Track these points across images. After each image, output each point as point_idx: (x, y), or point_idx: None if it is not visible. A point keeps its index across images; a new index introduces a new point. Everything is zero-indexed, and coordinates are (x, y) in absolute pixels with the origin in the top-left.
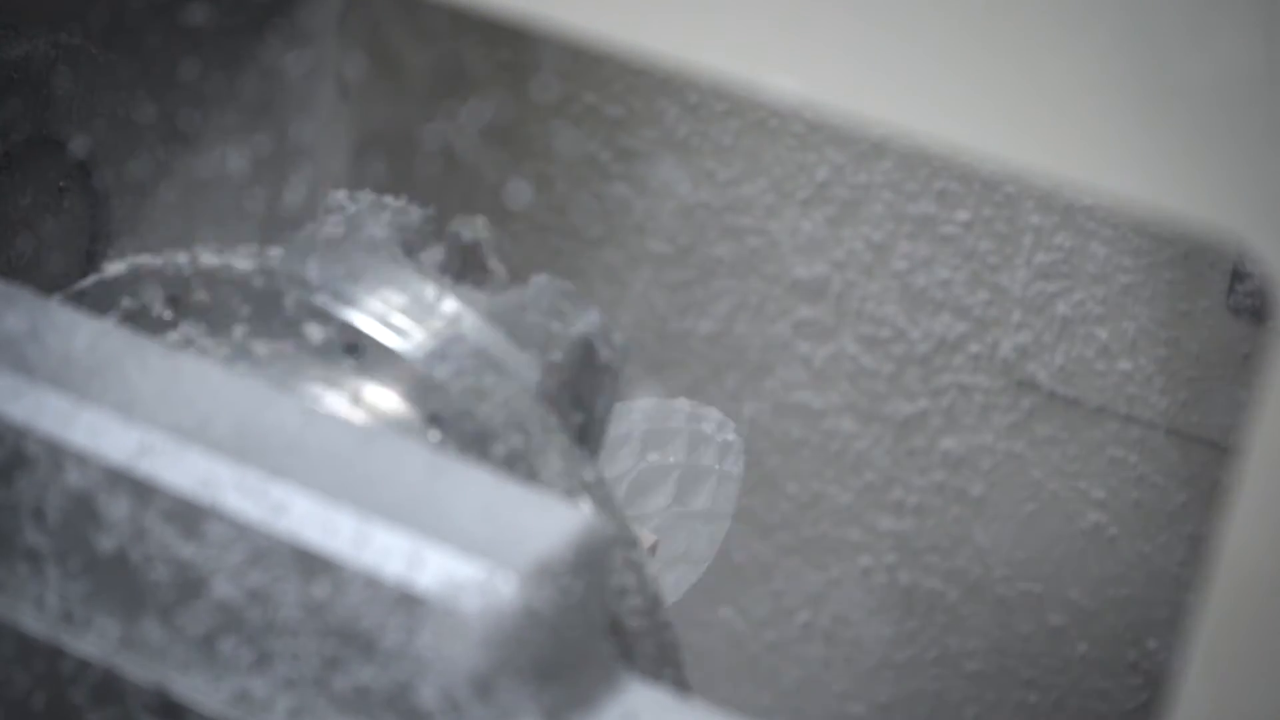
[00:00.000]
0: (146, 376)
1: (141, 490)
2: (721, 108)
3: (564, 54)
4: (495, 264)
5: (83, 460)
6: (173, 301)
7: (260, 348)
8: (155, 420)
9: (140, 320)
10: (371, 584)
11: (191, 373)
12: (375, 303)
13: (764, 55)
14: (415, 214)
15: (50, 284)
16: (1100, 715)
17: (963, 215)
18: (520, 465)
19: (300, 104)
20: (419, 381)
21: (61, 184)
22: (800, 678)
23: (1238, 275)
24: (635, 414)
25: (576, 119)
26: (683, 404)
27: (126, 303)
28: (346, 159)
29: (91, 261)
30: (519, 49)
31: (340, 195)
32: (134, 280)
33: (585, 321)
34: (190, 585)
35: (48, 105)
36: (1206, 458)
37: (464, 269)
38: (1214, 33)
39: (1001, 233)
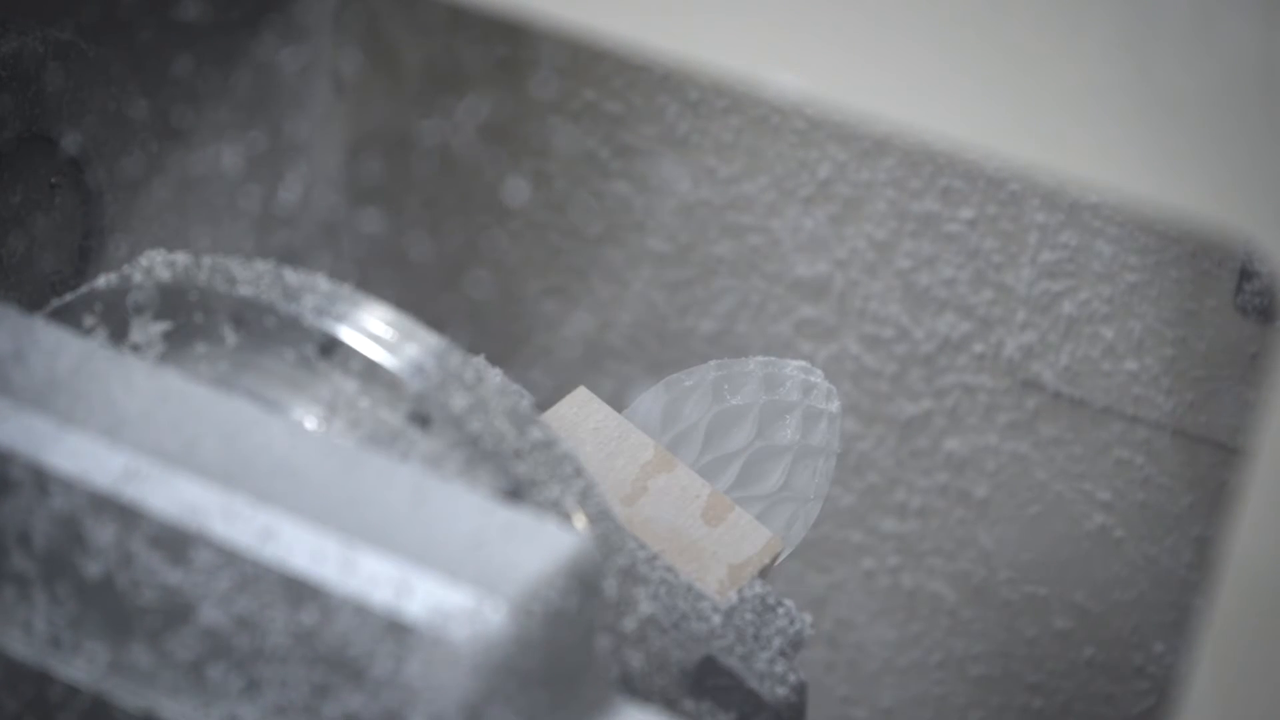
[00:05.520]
0: (132, 398)
1: (128, 515)
2: (722, 104)
3: (562, 50)
4: None
5: (68, 485)
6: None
7: (245, 357)
8: (141, 444)
9: (123, 331)
10: (360, 611)
11: (178, 393)
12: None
13: (765, 51)
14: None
15: (42, 282)
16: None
17: (967, 213)
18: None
19: (295, 100)
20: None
21: (53, 181)
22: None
23: (1245, 274)
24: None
25: (575, 116)
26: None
27: (112, 315)
28: (342, 156)
29: (84, 259)
30: (517, 45)
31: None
32: (120, 294)
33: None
34: (178, 611)
35: (39, 102)
36: (1213, 459)
37: None
38: (1221, 32)
39: (1006, 231)
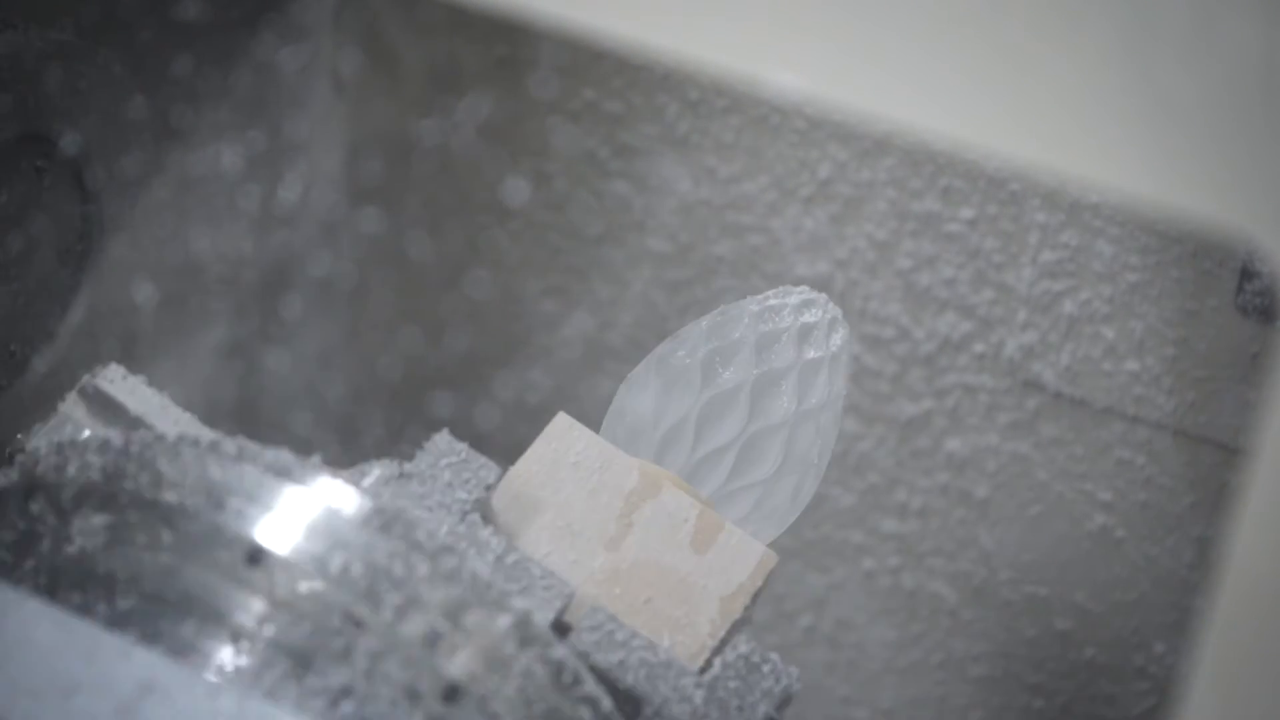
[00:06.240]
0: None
1: None
2: (722, 104)
3: (562, 49)
4: None
5: None
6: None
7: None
8: None
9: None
10: None
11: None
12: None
13: (765, 51)
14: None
15: (41, 282)
16: None
17: (967, 213)
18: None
19: (295, 100)
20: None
21: (52, 181)
22: (803, 682)
23: (1246, 274)
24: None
25: (575, 115)
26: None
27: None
28: (342, 156)
29: (83, 259)
30: (516, 44)
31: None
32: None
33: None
34: None
35: (38, 101)
36: (1214, 459)
37: None
38: (1222, 32)
39: (1007, 230)
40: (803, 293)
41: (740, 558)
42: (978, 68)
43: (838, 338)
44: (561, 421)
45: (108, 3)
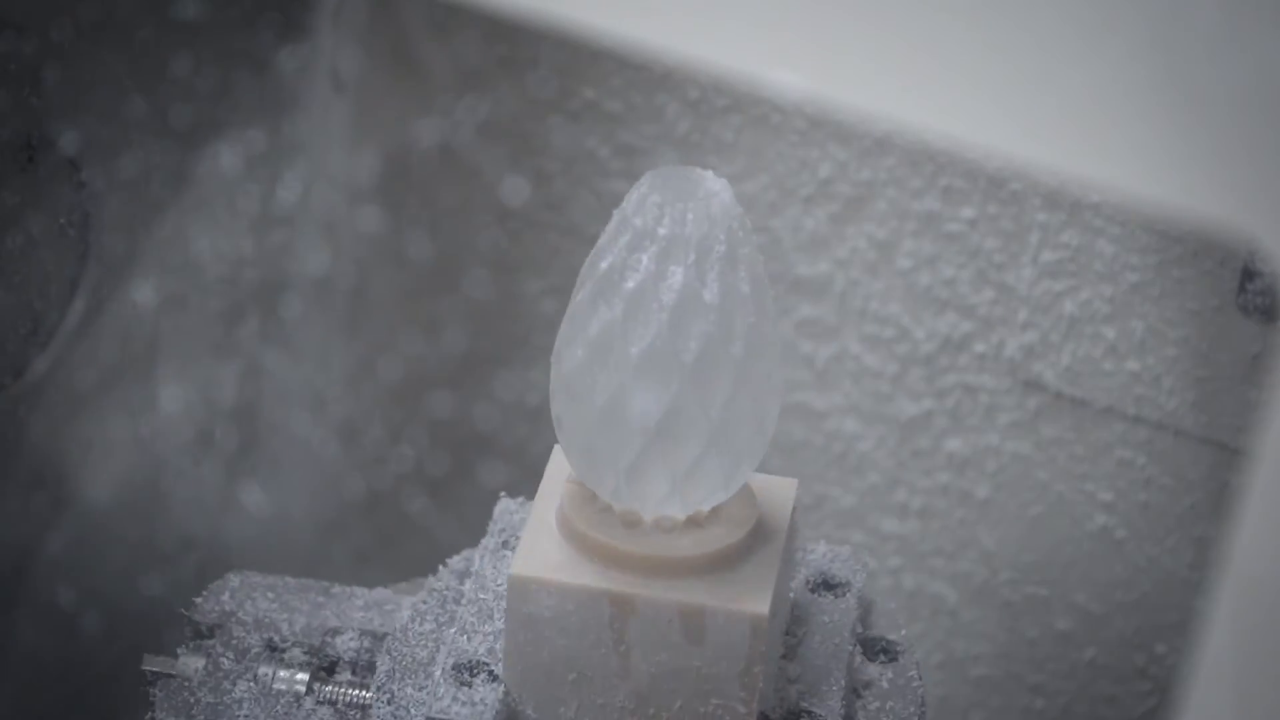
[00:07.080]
0: None
1: None
2: (722, 103)
3: (562, 49)
4: None
5: None
6: None
7: None
8: None
9: None
10: None
11: None
12: None
13: (765, 51)
14: None
15: (40, 283)
16: None
17: (968, 212)
18: None
19: (294, 99)
20: None
21: (51, 181)
22: None
23: (1248, 274)
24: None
25: (575, 115)
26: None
27: None
28: (342, 156)
29: (82, 259)
30: (517, 43)
31: None
32: None
33: None
34: None
35: (38, 101)
36: (1216, 459)
37: None
38: (1224, 30)
39: (1007, 230)
40: (661, 234)
41: (734, 632)
42: (978, 67)
43: (714, 273)
44: (518, 585)
45: (108, 3)
